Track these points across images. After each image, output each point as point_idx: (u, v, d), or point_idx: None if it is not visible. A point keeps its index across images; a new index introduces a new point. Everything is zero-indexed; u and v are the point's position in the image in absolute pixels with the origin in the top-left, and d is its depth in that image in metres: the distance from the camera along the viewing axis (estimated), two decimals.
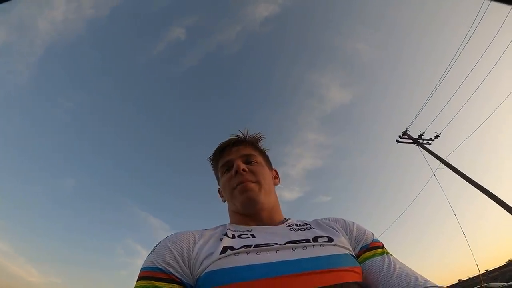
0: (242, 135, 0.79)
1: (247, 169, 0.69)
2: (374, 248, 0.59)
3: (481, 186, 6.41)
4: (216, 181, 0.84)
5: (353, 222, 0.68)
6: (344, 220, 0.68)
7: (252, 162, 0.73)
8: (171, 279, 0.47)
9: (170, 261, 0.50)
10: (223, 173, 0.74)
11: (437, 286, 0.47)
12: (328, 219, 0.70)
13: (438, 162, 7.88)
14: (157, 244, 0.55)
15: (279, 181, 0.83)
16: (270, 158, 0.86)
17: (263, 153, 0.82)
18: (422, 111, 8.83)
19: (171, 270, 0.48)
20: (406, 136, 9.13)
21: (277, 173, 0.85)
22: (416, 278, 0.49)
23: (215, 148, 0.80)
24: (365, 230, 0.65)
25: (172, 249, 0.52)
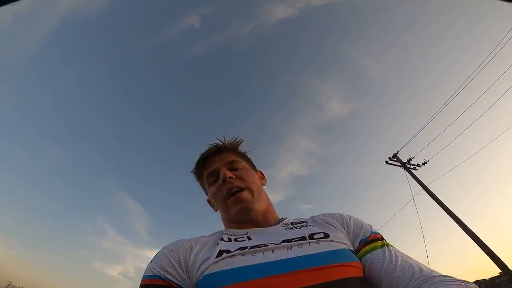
0: (222, 143, 0.80)
1: (234, 176, 0.70)
2: (373, 240, 0.58)
3: (455, 215, 6.95)
4: (204, 192, 0.83)
5: (350, 216, 0.67)
6: (340, 215, 0.68)
7: (238, 168, 0.74)
8: (170, 286, 0.49)
9: (168, 268, 0.51)
10: (211, 184, 0.74)
11: (443, 276, 0.45)
12: (325, 214, 0.70)
13: (420, 187, 8.43)
14: (156, 254, 0.57)
15: (265, 181, 0.83)
16: (257, 158, 0.86)
17: (245, 157, 0.83)
18: (416, 136, 9.35)
19: (169, 276, 0.50)
20: (395, 159, 9.60)
21: (262, 174, 0.85)
22: (421, 269, 0.48)
23: (196, 160, 0.79)
24: (362, 223, 0.64)
25: (170, 257, 0.54)
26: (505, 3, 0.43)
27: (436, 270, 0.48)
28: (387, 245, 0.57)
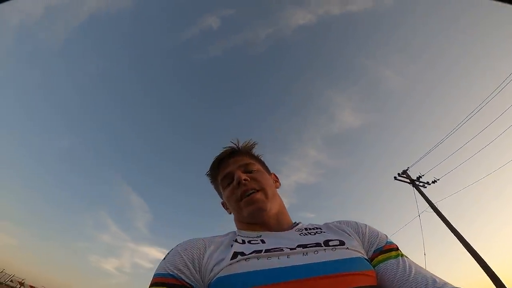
0: (236, 145, 0.81)
1: (248, 178, 0.70)
2: (388, 250, 0.58)
3: (460, 234, 6.81)
4: (218, 195, 0.84)
5: (366, 225, 0.67)
6: (356, 223, 0.68)
7: (252, 171, 0.74)
8: (183, 285, 0.49)
9: (182, 268, 0.51)
10: (225, 187, 0.75)
11: None
12: (340, 222, 0.69)
13: (427, 204, 8.32)
14: (169, 252, 0.57)
15: (279, 184, 0.84)
16: (267, 163, 0.87)
17: (259, 159, 0.84)
18: (428, 154, 9.25)
19: (182, 276, 0.50)
20: (405, 175, 9.44)
21: (276, 177, 0.86)
22: (434, 281, 0.48)
23: (211, 163, 0.80)
24: (378, 233, 0.64)
25: (183, 256, 0.53)
26: (507, 5, 0.42)
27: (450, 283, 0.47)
28: (402, 255, 0.57)
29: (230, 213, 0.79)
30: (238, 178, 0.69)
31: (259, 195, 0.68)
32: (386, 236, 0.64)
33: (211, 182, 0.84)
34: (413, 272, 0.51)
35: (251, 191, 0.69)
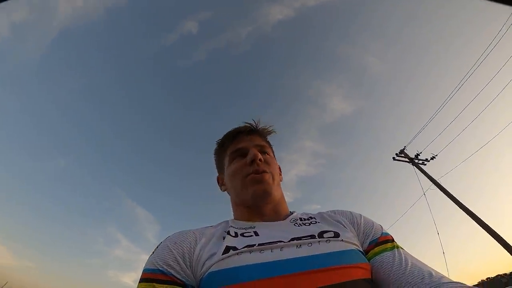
0: (255, 125, 0.78)
1: (263, 159, 0.68)
2: (383, 242, 0.56)
3: (467, 208, 6.77)
4: (216, 168, 0.81)
5: (361, 215, 0.65)
6: (351, 213, 0.66)
7: (266, 154, 0.72)
8: (173, 281, 0.47)
9: (171, 263, 0.49)
10: (233, 159, 0.71)
11: (454, 282, 0.44)
12: (334, 212, 0.67)
13: (430, 182, 8.25)
14: (158, 245, 0.55)
15: (282, 178, 0.80)
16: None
17: (271, 147, 0.82)
18: (422, 131, 9.19)
19: (172, 271, 0.48)
20: (403, 155, 9.39)
21: (280, 170, 0.82)
22: (430, 274, 0.46)
23: (225, 133, 0.77)
24: (373, 223, 0.63)
25: (173, 250, 0.51)
26: (507, 7, 0.44)
27: (450, 275, 0.48)
28: (397, 247, 0.56)
29: (224, 191, 0.77)
30: (255, 155, 0.66)
31: (268, 177, 0.66)
32: (381, 227, 0.62)
33: (215, 152, 0.81)
34: (409, 265, 0.50)
35: (262, 172, 0.66)
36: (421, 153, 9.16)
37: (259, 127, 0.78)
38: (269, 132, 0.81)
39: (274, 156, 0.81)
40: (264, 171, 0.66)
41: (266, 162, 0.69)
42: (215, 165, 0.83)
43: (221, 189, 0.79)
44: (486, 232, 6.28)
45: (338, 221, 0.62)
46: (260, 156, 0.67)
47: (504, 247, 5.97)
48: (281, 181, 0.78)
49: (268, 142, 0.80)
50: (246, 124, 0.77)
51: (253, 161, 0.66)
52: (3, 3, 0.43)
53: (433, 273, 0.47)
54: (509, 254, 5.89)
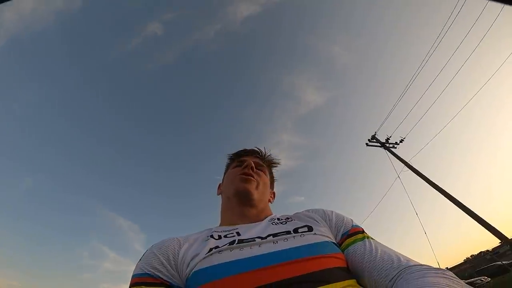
0: (263, 152, 0.89)
1: (255, 170, 0.78)
2: (354, 233, 0.60)
3: (441, 188, 6.61)
4: (222, 176, 0.91)
5: (332, 211, 0.69)
6: (323, 210, 0.70)
7: (260, 171, 0.81)
8: (160, 283, 0.49)
9: (158, 266, 0.51)
10: (234, 167, 0.82)
11: (419, 265, 0.47)
12: (308, 210, 0.71)
13: (403, 165, 8.09)
14: (144, 252, 0.57)
15: (273, 200, 0.88)
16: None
17: (271, 176, 0.90)
18: (390, 115, 9.13)
19: (159, 274, 0.50)
20: (374, 140, 9.36)
21: (274, 195, 0.90)
22: (399, 259, 0.49)
23: (238, 150, 0.89)
24: (343, 217, 0.66)
25: (158, 255, 0.53)
26: (506, 6, 0.44)
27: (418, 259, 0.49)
28: (368, 237, 0.59)
29: (219, 194, 0.86)
30: (250, 164, 0.77)
31: (253, 182, 0.74)
32: (352, 220, 0.66)
33: (226, 165, 0.91)
34: (379, 252, 0.53)
35: (249, 175, 0.75)
36: (390, 137, 9.15)
37: (267, 155, 0.89)
38: (273, 164, 0.91)
39: (271, 182, 0.89)
40: (252, 176, 0.75)
41: (257, 173, 0.78)
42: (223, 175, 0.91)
43: (217, 193, 0.88)
44: (461, 210, 6.02)
45: (311, 218, 0.66)
46: (253, 165, 0.77)
47: (480, 224, 5.71)
48: (269, 202, 0.85)
49: (269, 171, 0.89)
50: (255, 149, 0.89)
51: (246, 166, 0.77)
52: (3, 3, 0.45)
53: (401, 258, 0.50)
54: (487, 230, 5.63)
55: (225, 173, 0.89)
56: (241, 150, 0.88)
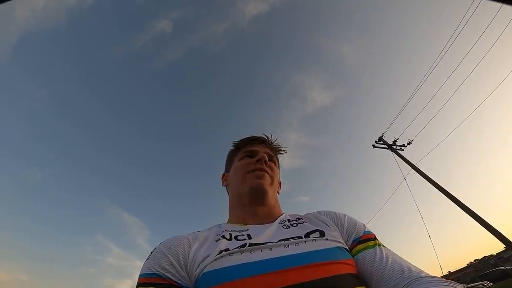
0: (271, 139, 0.84)
1: (268, 163, 0.74)
2: (366, 240, 0.59)
3: (447, 192, 6.62)
4: (225, 165, 0.87)
5: (345, 215, 0.68)
6: (335, 213, 0.68)
7: (272, 163, 0.78)
8: (169, 284, 0.48)
9: (167, 266, 0.50)
10: (242, 158, 0.77)
11: (431, 276, 0.46)
12: (320, 213, 0.70)
13: (410, 167, 8.12)
14: (152, 251, 0.56)
15: (279, 192, 0.85)
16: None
17: (278, 163, 0.87)
18: (398, 117, 9.11)
19: (168, 275, 0.49)
20: (381, 142, 9.36)
21: (280, 184, 0.88)
22: (410, 269, 0.49)
23: (244, 137, 0.84)
24: (356, 222, 0.65)
25: (168, 255, 0.52)
26: (506, 6, 0.45)
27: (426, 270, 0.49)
28: (379, 245, 0.58)
29: (225, 185, 0.84)
30: (263, 157, 0.73)
31: (268, 178, 0.72)
32: (364, 226, 0.65)
33: (230, 153, 0.87)
34: (390, 261, 0.52)
35: (264, 171, 0.72)
36: (398, 139, 9.10)
37: (274, 142, 0.85)
38: (280, 151, 0.87)
39: (278, 171, 0.84)
40: (266, 172, 0.72)
41: (270, 167, 0.75)
42: (225, 164, 0.88)
43: (222, 184, 0.86)
44: (466, 213, 6.06)
45: (323, 221, 0.64)
46: (267, 159, 0.74)
47: (486, 228, 5.75)
48: (278, 193, 0.82)
49: (277, 158, 0.85)
50: (263, 136, 0.84)
51: (259, 160, 0.73)
52: (3, 4, 0.44)
53: (412, 268, 0.49)
54: (492, 235, 5.67)
55: (228, 162, 0.85)
56: (248, 138, 0.83)
